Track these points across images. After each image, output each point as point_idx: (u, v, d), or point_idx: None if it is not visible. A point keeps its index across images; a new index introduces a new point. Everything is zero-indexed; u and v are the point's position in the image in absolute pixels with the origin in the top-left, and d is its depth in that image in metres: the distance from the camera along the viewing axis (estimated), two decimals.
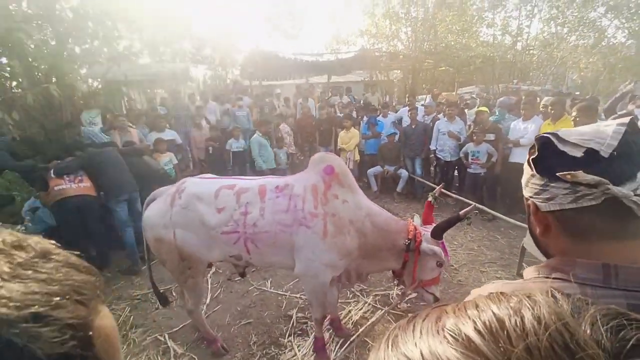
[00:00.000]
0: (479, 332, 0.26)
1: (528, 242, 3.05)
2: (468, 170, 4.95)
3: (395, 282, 2.30)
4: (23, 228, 3.17)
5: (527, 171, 0.62)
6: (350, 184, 2.01)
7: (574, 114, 3.33)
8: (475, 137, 4.74)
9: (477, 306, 0.29)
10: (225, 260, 2.13)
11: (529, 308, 0.27)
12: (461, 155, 5.02)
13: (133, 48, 7.36)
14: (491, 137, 4.67)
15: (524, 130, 4.34)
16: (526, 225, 2.30)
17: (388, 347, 0.31)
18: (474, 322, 0.27)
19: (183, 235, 1.97)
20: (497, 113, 5.31)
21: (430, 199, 2.19)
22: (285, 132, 6.40)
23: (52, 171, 3.19)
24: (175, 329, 2.56)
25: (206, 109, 6.98)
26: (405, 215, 4.98)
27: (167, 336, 2.48)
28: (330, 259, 1.93)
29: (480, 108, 5.02)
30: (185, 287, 2.20)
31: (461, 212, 1.91)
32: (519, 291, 0.30)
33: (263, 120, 5.88)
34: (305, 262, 1.94)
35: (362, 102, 8.45)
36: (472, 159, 4.84)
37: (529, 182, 0.61)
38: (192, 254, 2.00)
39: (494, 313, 0.27)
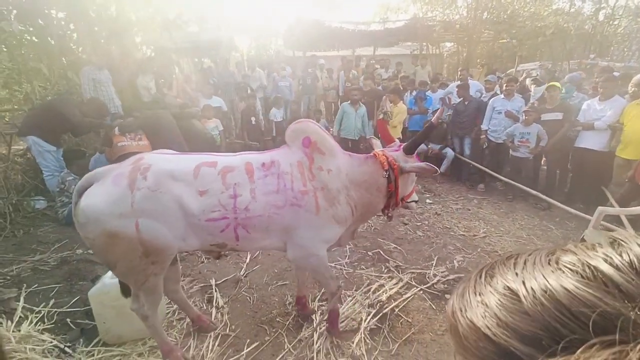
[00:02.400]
0: (613, 264, 0.22)
1: (590, 234, 2.76)
2: (512, 153, 4.50)
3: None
4: None
5: None
6: (329, 148, 1.86)
7: None
8: (526, 116, 4.26)
9: (615, 242, 0.25)
10: (204, 249, 1.88)
11: None
12: (505, 137, 4.55)
13: (183, 16, 7.55)
14: (559, 116, 4.16)
15: (601, 112, 3.81)
16: (589, 217, 2.06)
17: (481, 277, 0.28)
18: (607, 256, 0.23)
19: (151, 225, 1.55)
20: (563, 90, 4.70)
21: (381, 116, 2.17)
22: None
23: (116, 128, 3.49)
24: (218, 282, 2.76)
25: (253, 77, 7.05)
26: (447, 198, 4.76)
27: (214, 285, 2.69)
28: (326, 234, 1.87)
29: (553, 83, 4.46)
30: (143, 289, 1.74)
31: (433, 119, 1.89)
32: None
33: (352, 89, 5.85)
34: (300, 242, 1.84)
35: (410, 76, 7.94)
36: (519, 141, 4.39)
37: None
38: (162, 247, 1.62)
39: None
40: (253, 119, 6.31)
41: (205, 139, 4.28)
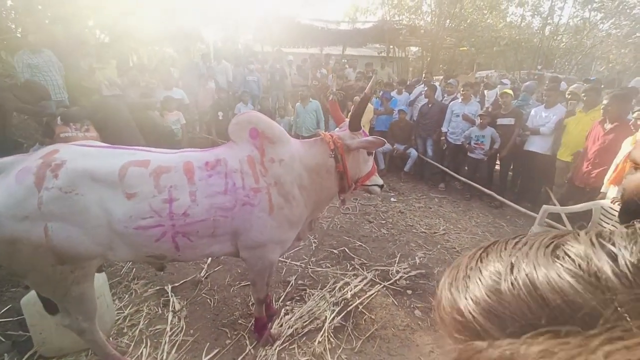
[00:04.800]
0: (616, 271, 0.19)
1: (536, 231, 3.01)
2: (469, 154, 4.82)
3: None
4: None
5: None
6: (279, 135, 1.76)
7: (605, 101, 3.16)
8: (480, 120, 4.58)
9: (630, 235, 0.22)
10: (139, 260, 1.71)
11: None
12: (462, 139, 4.86)
13: (143, 1, 7.05)
14: (511, 121, 4.49)
15: (546, 119, 4.16)
16: (535, 214, 2.23)
17: (475, 260, 0.26)
18: (614, 258, 0.20)
19: (64, 230, 1.34)
20: (520, 97, 5.10)
21: (331, 97, 2.20)
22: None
23: (59, 118, 3.15)
24: (176, 284, 2.60)
25: (218, 69, 6.76)
26: (410, 196, 4.93)
27: (170, 289, 2.52)
28: (281, 235, 1.77)
29: (506, 90, 4.80)
30: (67, 301, 1.53)
31: (367, 90, 1.89)
32: None
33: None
34: (253, 245, 1.72)
35: (370, 75, 8.10)
36: (475, 144, 4.70)
37: None
38: (79, 255, 1.41)
39: None
40: (221, 113, 6.06)
41: (163, 133, 4.02)
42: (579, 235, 0.23)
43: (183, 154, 1.64)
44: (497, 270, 0.23)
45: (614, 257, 0.20)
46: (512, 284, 0.21)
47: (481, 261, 0.25)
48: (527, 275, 0.21)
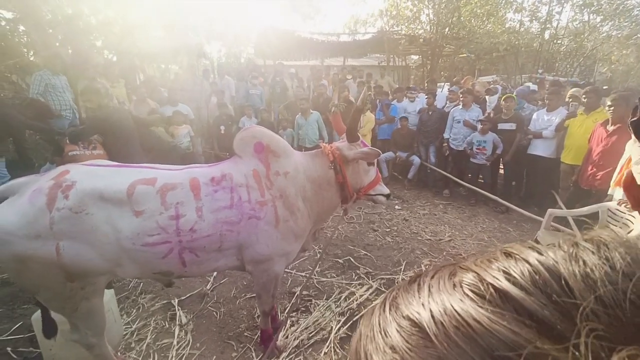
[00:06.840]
0: (517, 284, 0.20)
1: (542, 235, 2.97)
2: (472, 160, 4.82)
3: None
4: None
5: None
6: (283, 148, 1.81)
7: (608, 103, 3.15)
8: (482, 126, 4.59)
9: (509, 255, 0.23)
10: (145, 277, 1.75)
11: (592, 252, 0.20)
12: (465, 145, 4.87)
13: (147, 20, 7.30)
14: (513, 126, 4.49)
15: (548, 122, 4.15)
16: (541, 219, 2.21)
17: (385, 309, 0.25)
18: (508, 274, 0.21)
19: (75, 248, 1.39)
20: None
21: (333, 109, 2.23)
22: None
23: (67, 138, 3.25)
24: (182, 298, 2.62)
25: (222, 84, 6.91)
26: (415, 204, 4.92)
27: (176, 303, 2.54)
28: (286, 247, 1.79)
29: (509, 94, 4.82)
30: (77, 317, 1.57)
31: (358, 103, 1.92)
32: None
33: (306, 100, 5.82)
34: (259, 258, 1.74)
35: (372, 85, 8.19)
36: (477, 149, 4.70)
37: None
38: (89, 271, 1.46)
39: (539, 261, 0.21)
40: (222, 127, 6.16)
41: (166, 148, 4.10)
42: (466, 265, 0.23)
43: (189, 170, 1.68)
44: (418, 322, 0.22)
45: (509, 276, 0.21)
46: (444, 337, 0.20)
47: (394, 317, 0.23)
48: (455, 325, 0.20)
